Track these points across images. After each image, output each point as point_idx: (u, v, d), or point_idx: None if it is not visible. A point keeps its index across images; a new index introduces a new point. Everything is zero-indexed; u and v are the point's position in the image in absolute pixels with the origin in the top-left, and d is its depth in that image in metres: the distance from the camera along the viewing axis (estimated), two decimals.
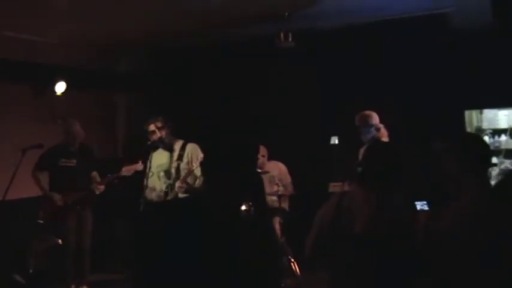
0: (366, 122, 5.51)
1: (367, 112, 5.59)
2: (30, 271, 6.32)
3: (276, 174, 7.05)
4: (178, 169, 5.60)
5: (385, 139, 5.46)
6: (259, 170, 6.87)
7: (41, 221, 6.27)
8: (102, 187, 6.41)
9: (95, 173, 6.57)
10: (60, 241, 6.35)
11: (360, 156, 5.61)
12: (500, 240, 2.72)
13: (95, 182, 6.49)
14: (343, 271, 3.01)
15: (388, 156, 3.04)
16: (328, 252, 3.05)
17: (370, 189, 2.98)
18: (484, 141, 3.26)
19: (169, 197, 5.52)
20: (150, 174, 5.68)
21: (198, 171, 5.49)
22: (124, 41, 7.80)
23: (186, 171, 5.57)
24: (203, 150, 5.34)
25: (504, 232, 2.73)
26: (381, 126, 5.53)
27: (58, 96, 7.36)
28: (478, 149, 2.99)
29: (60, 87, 7.28)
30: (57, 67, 7.42)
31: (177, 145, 5.76)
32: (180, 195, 5.53)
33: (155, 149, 5.73)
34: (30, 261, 6.42)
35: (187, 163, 5.62)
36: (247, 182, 2.49)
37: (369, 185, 3.00)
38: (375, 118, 5.55)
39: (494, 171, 7.10)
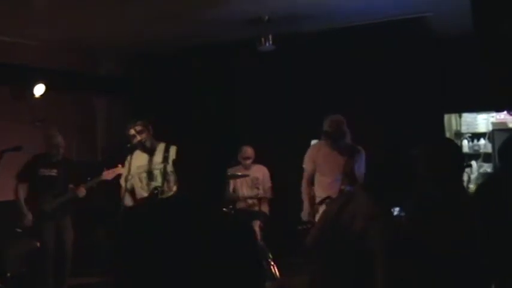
0: (340, 129, 5.38)
1: (339, 117, 5.44)
2: (8, 275, 6.24)
3: (259, 176, 7.10)
4: (165, 171, 5.57)
5: (349, 141, 5.42)
6: (245, 172, 6.95)
7: (19, 230, 6.22)
8: (83, 190, 6.35)
9: (71, 186, 6.49)
10: (38, 244, 6.30)
11: (308, 157, 5.60)
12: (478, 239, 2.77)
13: (75, 190, 6.42)
14: (332, 268, 3.03)
15: (398, 174, 3.03)
16: (325, 247, 3.08)
17: (371, 196, 2.99)
18: (457, 146, 3.31)
19: None
20: (130, 177, 5.64)
21: None
22: (104, 45, 7.76)
23: (172, 172, 5.56)
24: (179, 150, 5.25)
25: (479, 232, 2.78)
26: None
27: (37, 98, 7.29)
28: (453, 153, 3.03)
29: (39, 89, 7.21)
30: (36, 69, 7.35)
31: (160, 147, 5.73)
32: None
33: (132, 151, 5.69)
34: (8, 264, 6.35)
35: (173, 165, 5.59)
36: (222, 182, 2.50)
37: (371, 192, 3.01)
38: (345, 123, 5.43)
39: (473, 175, 7.17)
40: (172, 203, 2.40)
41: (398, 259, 2.85)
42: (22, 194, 6.33)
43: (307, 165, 5.62)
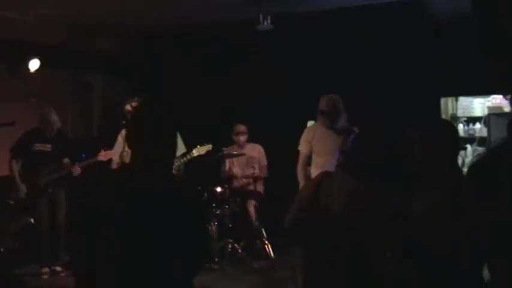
0: (337, 108, 5.34)
1: (335, 97, 5.41)
2: (2, 250, 6.26)
3: (255, 155, 7.10)
4: None
5: (344, 121, 5.41)
6: (240, 151, 6.96)
7: (12, 202, 6.24)
8: (78, 169, 6.38)
9: (66, 160, 6.51)
10: (32, 220, 6.32)
11: (304, 139, 5.58)
12: (468, 225, 2.76)
13: (68, 165, 6.44)
14: (316, 247, 3.05)
15: (380, 151, 3.04)
16: (304, 228, 3.10)
17: (355, 177, 3.00)
18: (454, 127, 3.30)
19: None
20: (125, 153, 5.63)
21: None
22: (102, 22, 7.70)
23: None
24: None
25: (472, 218, 2.77)
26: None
27: (32, 74, 7.24)
28: (448, 135, 3.02)
29: (34, 64, 7.16)
30: (31, 44, 7.29)
31: None
32: None
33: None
34: (2, 240, 6.36)
35: None
36: None
37: (355, 174, 3.01)
38: (341, 103, 5.39)
39: (468, 159, 7.18)
40: (125, 172, 2.50)
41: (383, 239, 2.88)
42: (16, 167, 6.37)
43: (302, 147, 5.60)
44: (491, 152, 3.75)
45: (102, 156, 6.23)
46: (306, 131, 5.72)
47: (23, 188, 6.30)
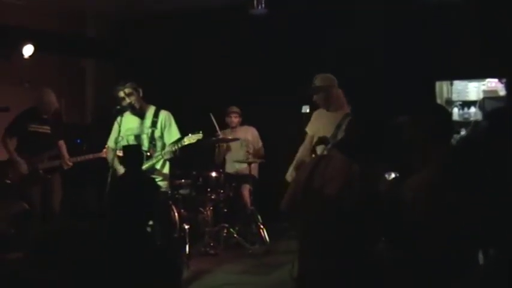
0: (331, 83, 5.30)
1: (329, 74, 5.37)
2: None
3: (248, 138, 7.10)
4: (153, 136, 5.55)
5: (346, 107, 5.39)
6: (233, 135, 6.95)
7: (9, 181, 6.20)
8: (70, 164, 6.36)
9: (61, 142, 6.46)
10: (27, 206, 6.30)
11: (310, 122, 5.57)
12: (458, 209, 2.76)
13: (63, 157, 6.41)
14: (309, 228, 3.07)
15: (373, 130, 3.05)
16: (299, 210, 3.12)
17: (348, 158, 3.01)
18: (446, 112, 3.30)
19: (145, 166, 5.43)
20: (120, 138, 5.60)
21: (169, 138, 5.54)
22: (94, 6, 7.65)
23: (160, 138, 5.55)
24: None
25: (463, 201, 2.77)
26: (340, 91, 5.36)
27: (26, 59, 7.20)
28: (440, 120, 3.03)
29: (28, 50, 7.11)
30: (25, 30, 7.26)
31: (150, 111, 5.68)
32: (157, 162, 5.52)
33: (122, 113, 5.63)
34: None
35: (161, 131, 5.59)
36: None
37: (348, 154, 3.02)
38: (321, 79, 5.33)
39: None
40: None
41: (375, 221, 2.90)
42: (11, 146, 6.29)
43: (308, 129, 5.60)
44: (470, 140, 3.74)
45: (92, 157, 6.24)
46: (313, 115, 5.70)
47: (23, 166, 6.18)
